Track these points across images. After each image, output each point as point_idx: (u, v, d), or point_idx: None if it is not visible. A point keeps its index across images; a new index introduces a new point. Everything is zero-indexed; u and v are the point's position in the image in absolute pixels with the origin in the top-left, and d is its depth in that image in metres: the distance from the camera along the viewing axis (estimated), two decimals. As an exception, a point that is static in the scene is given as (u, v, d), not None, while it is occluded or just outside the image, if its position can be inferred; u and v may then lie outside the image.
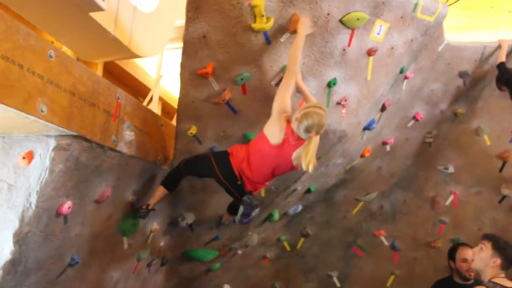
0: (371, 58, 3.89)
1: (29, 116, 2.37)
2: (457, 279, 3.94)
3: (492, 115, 5.17)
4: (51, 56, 2.52)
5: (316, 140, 3.04)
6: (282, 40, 3.42)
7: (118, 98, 3.24)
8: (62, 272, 3.11)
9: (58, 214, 2.84)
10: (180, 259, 4.92)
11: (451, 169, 5.58)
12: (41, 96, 2.43)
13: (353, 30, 3.60)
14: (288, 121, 3.17)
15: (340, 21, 3.50)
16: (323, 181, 5.05)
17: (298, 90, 3.55)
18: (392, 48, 3.96)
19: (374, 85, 4.10)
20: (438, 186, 5.71)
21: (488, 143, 5.31)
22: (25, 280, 2.82)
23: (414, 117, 5.15)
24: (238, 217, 3.55)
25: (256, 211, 3.46)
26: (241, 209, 3.47)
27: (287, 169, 3.32)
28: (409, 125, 5.21)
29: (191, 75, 3.48)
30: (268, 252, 5.78)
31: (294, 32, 3.33)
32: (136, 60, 5.09)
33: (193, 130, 3.82)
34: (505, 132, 5.03)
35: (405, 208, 5.92)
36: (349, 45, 3.67)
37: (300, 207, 5.32)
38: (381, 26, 3.71)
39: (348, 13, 3.48)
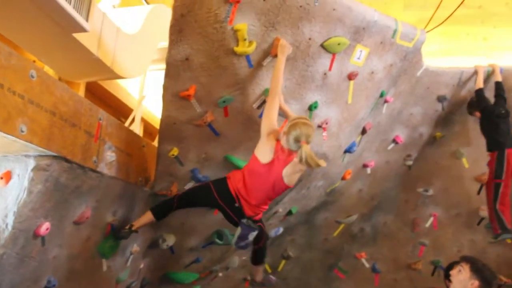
0: (352, 82, 3.95)
1: (8, 136, 2.35)
2: None
3: (469, 139, 5.28)
4: (32, 76, 2.51)
5: (306, 148, 2.99)
6: (264, 63, 3.46)
7: (100, 119, 3.23)
8: (38, 295, 3.04)
9: (36, 235, 2.79)
10: (160, 282, 4.85)
11: (430, 192, 5.66)
12: (21, 116, 2.41)
13: (334, 54, 3.67)
14: (277, 140, 3.21)
15: (321, 45, 3.56)
16: (304, 203, 5.07)
17: (281, 112, 3.59)
18: (372, 72, 4.04)
19: (355, 108, 4.17)
20: (418, 209, 5.78)
21: (466, 166, 5.42)
22: (-1, 303, 2.75)
23: (394, 140, 5.23)
24: (234, 240, 3.42)
25: (253, 234, 3.34)
26: (238, 231, 3.36)
27: (281, 188, 3.30)
28: (389, 148, 5.28)
29: (174, 97, 3.50)
30: (249, 274, 5.73)
31: (276, 55, 3.38)
32: (119, 80, 5.09)
33: (175, 151, 3.82)
34: (482, 155, 5.10)
35: (385, 230, 5.96)
36: (330, 69, 3.73)
37: (281, 230, 5.32)
38: (361, 51, 3.79)
39: (329, 38, 3.55)
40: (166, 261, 4.66)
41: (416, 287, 5.71)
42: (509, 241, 5.37)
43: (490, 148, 4.79)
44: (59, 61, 3.90)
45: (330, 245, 5.88)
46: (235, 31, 3.19)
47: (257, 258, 3.88)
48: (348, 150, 4.63)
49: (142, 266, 4.43)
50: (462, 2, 4.34)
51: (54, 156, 2.74)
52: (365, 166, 5.24)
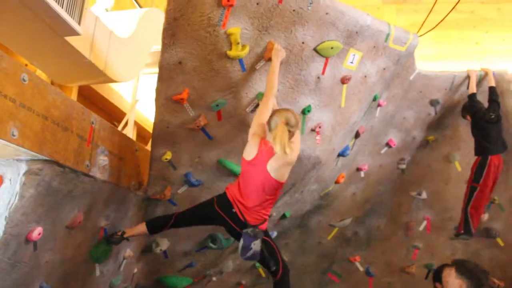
0: (345, 86, 3.96)
1: None
2: None
3: (462, 142, 5.30)
4: (24, 80, 2.49)
5: (281, 127, 3.00)
6: (257, 67, 3.47)
7: (92, 123, 3.22)
8: (30, 301, 3.01)
9: (28, 240, 2.77)
10: (154, 286, 4.82)
11: (424, 195, 5.67)
12: (12, 120, 2.40)
13: (327, 58, 3.68)
14: (262, 138, 3.19)
15: (315, 49, 3.57)
16: (298, 207, 5.07)
17: None
18: (365, 76, 4.05)
19: (348, 112, 4.17)
20: (412, 212, 5.79)
21: (459, 169, 5.44)
22: (-10, 309, 2.73)
23: (387, 144, 5.24)
24: (239, 252, 3.28)
25: (256, 243, 3.22)
26: (241, 242, 3.24)
27: (272, 185, 3.19)
28: (383, 151, 5.29)
29: (167, 101, 3.49)
30: (243, 278, 5.71)
31: (269, 59, 3.39)
32: (111, 84, 5.08)
33: (168, 155, 3.81)
34: (475, 158, 5.13)
35: (379, 234, 5.97)
36: (323, 73, 3.74)
37: (275, 233, 5.31)
38: (354, 55, 3.80)
39: (322, 42, 3.56)
40: (160, 265, 4.64)
41: (410, 291, 5.72)
42: (501, 244, 5.41)
43: (476, 152, 4.85)
44: (51, 64, 3.88)
45: (324, 249, 5.88)
46: (228, 35, 3.20)
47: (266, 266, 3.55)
48: (341, 154, 4.64)
49: (135, 270, 4.41)
50: (454, 7, 4.36)
51: (46, 160, 2.72)
52: (358, 169, 5.25)
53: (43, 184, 2.74)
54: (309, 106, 3.88)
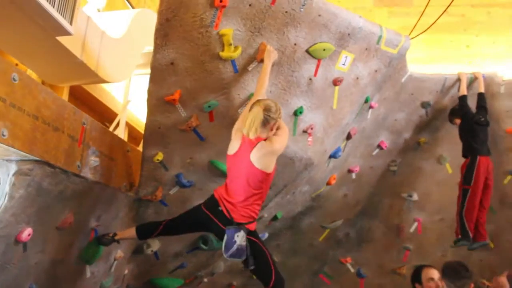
0: (337, 87, 3.98)
1: (-11, 140, 2.32)
2: None
3: (453, 144, 5.33)
4: (14, 79, 2.48)
5: (257, 111, 2.99)
6: (249, 68, 3.47)
7: (84, 123, 3.21)
8: (19, 303, 2.99)
9: (17, 241, 2.75)
10: (145, 288, 4.82)
11: (415, 197, 5.70)
12: (2, 120, 2.38)
13: (319, 60, 3.69)
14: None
15: (307, 51, 3.58)
16: (290, 208, 5.07)
17: None
18: (357, 78, 4.07)
19: (340, 114, 4.19)
20: (403, 214, 5.82)
21: (450, 171, 5.47)
22: (-21, 311, 2.70)
23: (378, 146, 5.26)
24: (223, 251, 3.12)
25: (239, 235, 3.04)
26: (224, 238, 3.08)
27: (256, 176, 3.09)
28: (374, 153, 5.31)
29: (158, 101, 3.48)
30: (234, 279, 5.71)
31: (262, 61, 3.39)
32: (103, 84, 5.05)
33: (160, 156, 3.80)
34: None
35: (370, 236, 5.99)
36: (315, 74, 3.75)
37: (266, 235, 5.31)
38: (346, 57, 3.81)
39: (315, 44, 3.57)
40: (151, 267, 4.62)
41: (401, 292, 5.74)
42: (491, 245, 5.44)
43: (464, 154, 4.87)
44: (42, 64, 3.85)
45: (316, 250, 5.89)
46: (221, 36, 3.20)
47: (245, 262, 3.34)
48: (333, 155, 4.65)
49: (126, 272, 4.39)
50: (445, 10, 4.39)
51: (36, 161, 2.70)
52: (350, 171, 5.27)
53: (33, 184, 2.73)
54: (301, 107, 3.89)
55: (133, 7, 5.14)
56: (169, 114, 3.58)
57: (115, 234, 3.58)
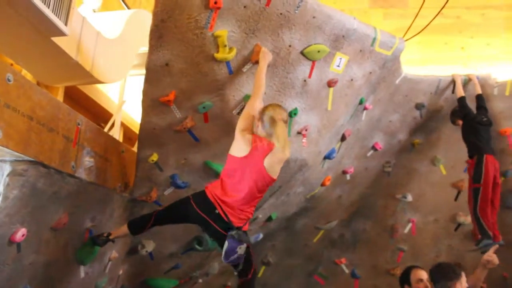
0: (331, 89, 3.99)
1: (-17, 141, 2.32)
2: None
3: (447, 146, 5.37)
4: (9, 80, 2.48)
5: (281, 125, 3.09)
6: (244, 70, 3.48)
7: (78, 124, 3.21)
8: (13, 304, 2.99)
9: (11, 242, 2.75)
10: (139, 288, 4.82)
11: (409, 198, 5.73)
12: (-3, 121, 2.39)
13: (314, 62, 3.70)
14: (253, 134, 3.20)
15: (301, 53, 3.60)
16: (284, 209, 5.08)
17: None
18: (352, 80, 4.09)
19: (334, 115, 4.21)
20: (397, 215, 5.84)
21: (444, 172, 5.50)
22: (-28, 312, 2.70)
23: (373, 147, 5.28)
24: (222, 256, 3.13)
25: (242, 248, 3.08)
26: (225, 245, 3.08)
27: (266, 182, 3.14)
28: (369, 154, 5.33)
29: (153, 102, 3.49)
30: (229, 280, 5.72)
31: (256, 62, 3.40)
32: (98, 85, 5.05)
33: (154, 157, 3.80)
34: (460, 162, 5.20)
35: (365, 236, 6.01)
36: (310, 76, 3.77)
37: (261, 236, 5.32)
38: (341, 58, 3.83)
39: (309, 46, 3.58)
40: (145, 267, 4.62)
41: (395, 292, 5.76)
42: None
43: (470, 154, 4.82)
44: (37, 65, 3.85)
45: (310, 251, 5.90)
46: (216, 37, 3.21)
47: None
48: (327, 157, 4.67)
49: (121, 272, 4.39)
50: (439, 12, 4.42)
51: (31, 161, 2.71)
52: (344, 172, 5.28)
53: (28, 185, 2.73)
54: (296, 109, 3.90)
55: (128, 8, 5.14)
56: (164, 115, 3.58)
57: (109, 234, 3.57)
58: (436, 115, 5.25)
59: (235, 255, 3.10)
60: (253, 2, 3.18)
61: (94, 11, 4.46)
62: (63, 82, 4.28)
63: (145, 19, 4.50)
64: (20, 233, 2.77)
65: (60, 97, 4.35)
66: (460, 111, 4.91)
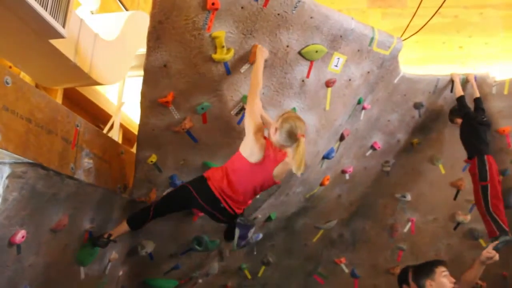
0: (330, 89, 4.00)
1: (-18, 143, 2.33)
2: None
3: (446, 145, 5.38)
4: (7, 82, 2.49)
5: (303, 144, 3.04)
6: (242, 70, 3.49)
7: (77, 126, 3.22)
8: (13, 305, 3.00)
9: (11, 243, 2.76)
10: (139, 289, 4.82)
11: (408, 197, 5.73)
12: (-5, 123, 2.39)
13: (311, 62, 3.71)
14: (265, 138, 3.21)
15: (299, 53, 3.60)
16: (284, 209, 5.09)
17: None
18: (350, 79, 4.09)
19: (333, 115, 4.21)
20: (396, 214, 5.84)
21: (443, 172, 5.51)
22: (-28, 315, 2.71)
23: (372, 147, 5.29)
24: (235, 241, 3.32)
25: (252, 231, 3.30)
26: (237, 232, 3.28)
27: (270, 185, 3.33)
28: (367, 154, 5.34)
29: (152, 104, 3.49)
30: (229, 280, 5.73)
31: (254, 63, 3.40)
32: (97, 87, 5.06)
33: (153, 158, 3.81)
34: (458, 161, 5.21)
35: (364, 236, 6.01)
36: (308, 76, 3.77)
37: (260, 235, 5.27)
38: (339, 58, 3.84)
39: (307, 46, 3.59)
40: (145, 268, 4.63)
41: (395, 292, 5.77)
42: (484, 244, 5.48)
43: (470, 155, 4.80)
44: (35, 67, 3.86)
45: (310, 251, 5.91)
46: (213, 38, 3.21)
47: (228, 235, 3.59)
48: (326, 156, 4.67)
49: (120, 273, 4.40)
50: (437, 11, 4.42)
51: (30, 163, 2.71)
52: (343, 172, 5.29)
53: (27, 187, 2.74)
54: (294, 109, 3.91)
55: (126, 9, 5.15)
56: (162, 116, 3.59)
57: (110, 235, 3.58)
58: (435, 114, 5.26)
59: (247, 238, 3.30)
60: (250, 3, 3.19)
61: (92, 13, 4.47)
62: (61, 84, 4.28)
63: (143, 20, 4.51)
64: (20, 235, 2.78)
65: (59, 99, 4.36)
66: (459, 110, 4.91)
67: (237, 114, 3.69)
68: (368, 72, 4.17)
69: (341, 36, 3.70)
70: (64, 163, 3.03)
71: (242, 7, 3.18)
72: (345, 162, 5.22)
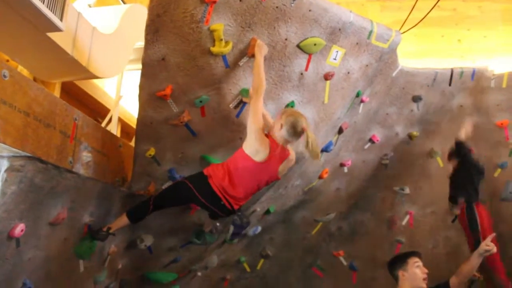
0: (328, 82, 4.00)
1: (-20, 137, 2.32)
2: None
3: (444, 138, 5.36)
4: (5, 76, 2.48)
5: (312, 134, 3.18)
6: (240, 63, 3.48)
7: (75, 119, 3.21)
8: (13, 298, 3.01)
9: (10, 237, 2.76)
10: (139, 282, 4.82)
11: (407, 190, 5.74)
12: (-7, 117, 2.39)
13: (310, 55, 3.70)
14: (269, 136, 3.25)
15: (298, 46, 3.60)
16: (282, 202, 5.10)
17: None
18: (348, 72, 4.09)
19: (331, 108, 4.21)
20: (395, 207, 5.85)
21: (441, 165, 5.51)
22: (-28, 307, 2.72)
23: (370, 140, 5.29)
24: (228, 236, 3.59)
25: (246, 229, 3.53)
26: (231, 229, 3.47)
27: (273, 181, 3.48)
28: (366, 147, 5.34)
29: (150, 97, 3.49)
30: (228, 273, 5.74)
31: (253, 56, 3.40)
32: (95, 80, 5.05)
33: (152, 151, 3.81)
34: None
35: (363, 229, 6.02)
36: (306, 69, 3.77)
37: (259, 228, 5.34)
38: (337, 51, 3.83)
39: (306, 39, 3.58)
40: (145, 261, 4.64)
41: (394, 284, 5.77)
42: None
43: (456, 197, 4.66)
44: (33, 60, 3.85)
45: (308, 244, 5.92)
46: (212, 31, 3.21)
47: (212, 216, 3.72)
48: (325, 149, 4.68)
49: (120, 266, 4.41)
50: (435, 4, 4.41)
51: (28, 157, 2.71)
52: (342, 165, 5.30)
53: (25, 180, 2.74)
54: (292, 102, 3.91)
55: (124, 2, 5.13)
56: (161, 109, 3.59)
57: (109, 228, 3.59)
58: (432, 107, 5.26)
59: (240, 235, 3.58)
60: (248, -5, 3.18)
61: (90, 6, 4.45)
62: (59, 78, 4.28)
63: (141, 13, 4.49)
64: (19, 228, 2.79)
65: (57, 92, 4.35)
66: (458, 152, 4.73)
67: (235, 107, 3.69)
68: (367, 65, 4.17)
69: (339, 29, 3.69)
70: (62, 157, 3.03)
71: (240, 0, 3.17)
72: (343, 155, 5.22)
